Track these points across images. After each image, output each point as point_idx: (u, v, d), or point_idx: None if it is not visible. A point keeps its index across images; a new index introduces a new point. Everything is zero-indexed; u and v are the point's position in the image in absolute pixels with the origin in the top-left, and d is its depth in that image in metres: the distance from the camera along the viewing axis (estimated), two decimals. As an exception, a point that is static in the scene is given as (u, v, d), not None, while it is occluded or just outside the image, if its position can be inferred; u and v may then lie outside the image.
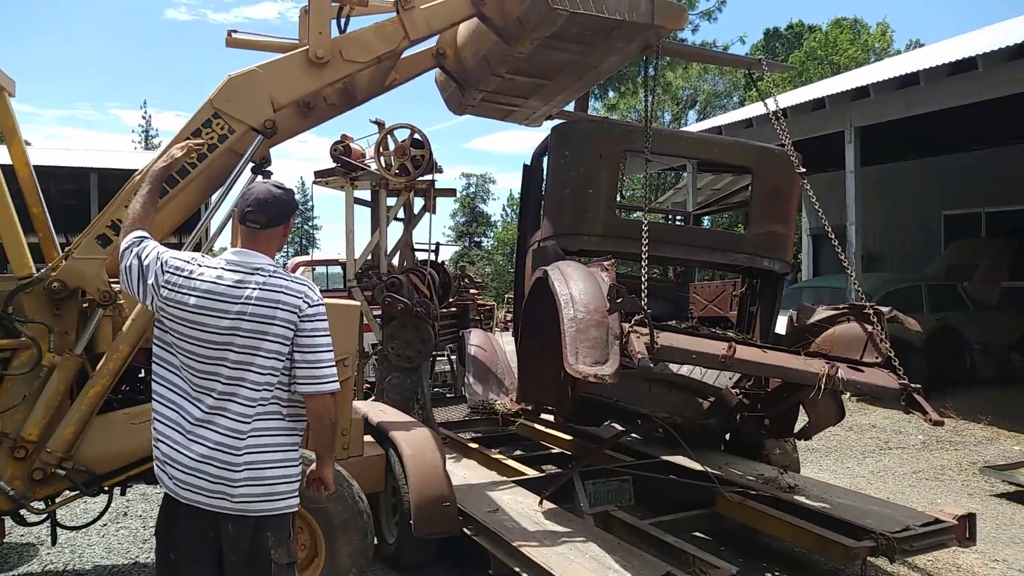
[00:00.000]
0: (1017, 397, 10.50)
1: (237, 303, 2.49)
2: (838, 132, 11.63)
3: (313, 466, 2.70)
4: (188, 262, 2.57)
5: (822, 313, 4.52)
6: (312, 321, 2.57)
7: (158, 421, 2.54)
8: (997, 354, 11.79)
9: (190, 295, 2.50)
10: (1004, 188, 14.66)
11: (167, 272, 2.54)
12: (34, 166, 4.19)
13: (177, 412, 2.50)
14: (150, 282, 2.55)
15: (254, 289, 2.51)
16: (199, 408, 2.48)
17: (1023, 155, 14.32)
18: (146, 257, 2.60)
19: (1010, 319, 12.22)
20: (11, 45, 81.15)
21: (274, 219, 2.64)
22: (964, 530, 4.26)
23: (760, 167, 5.09)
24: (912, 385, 3.78)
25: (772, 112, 4.86)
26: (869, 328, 4.15)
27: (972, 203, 15.36)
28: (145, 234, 2.71)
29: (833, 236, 4.53)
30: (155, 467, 2.57)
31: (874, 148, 12.75)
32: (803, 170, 4.66)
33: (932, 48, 16.76)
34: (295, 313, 2.53)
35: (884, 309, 4.26)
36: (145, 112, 60.75)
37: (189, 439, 2.47)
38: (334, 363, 2.62)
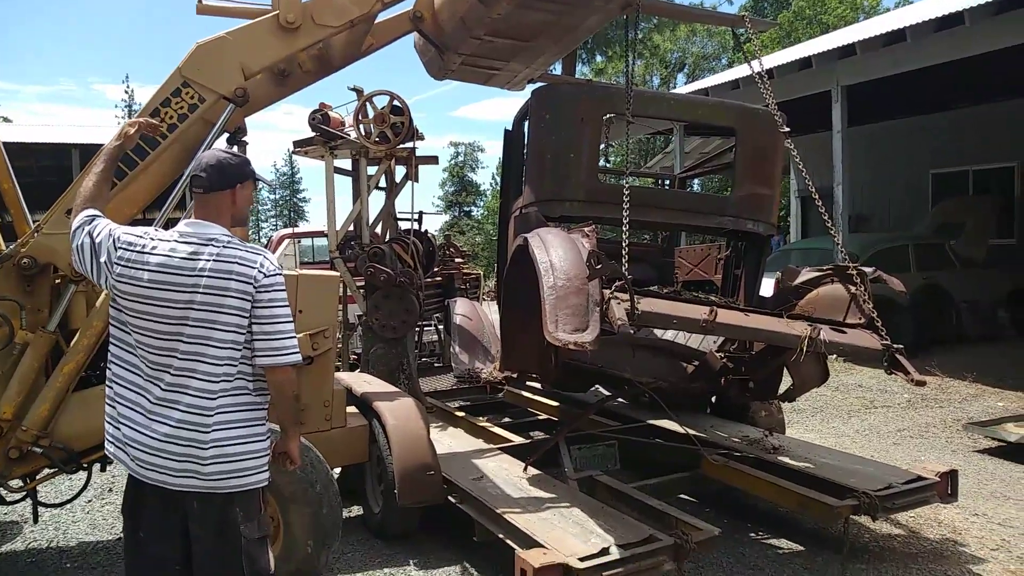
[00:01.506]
0: (1002, 354, 10.60)
1: (191, 276, 2.42)
2: (825, 91, 11.55)
3: (278, 440, 2.67)
4: (141, 236, 2.51)
5: (806, 275, 4.50)
6: (268, 291, 2.50)
7: (118, 403, 2.48)
8: (984, 312, 11.84)
9: (143, 270, 2.43)
10: (991, 145, 14.64)
11: (120, 248, 2.48)
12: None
13: (137, 392, 2.45)
14: (103, 260, 2.49)
15: (207, 260, 2.45)
16: (158, 386, 2.43)
17: (1010, 111, 14.27)
18: (98, 235, 2.53)
19: (997, 277, 12.26)
20: (-13, 19, 79.47)
21: (216, 183, 2.55)
22: (946, 486, 4.31)
23: (744, 128, 5.03)
24: (894, 346, 3.78)
25: (756, 72, 4.78)
26: (852, 289, 4.13)
27: (959, 161, 15.33)
28: (96, 212, 2.64)
29: (818, 197, 4.50)
30: (110, 448, 2.51)
31: (862, 107, 12.68)
32: (787, 130, 4.60)
33: (919, 4, 16.60)
34: (250, 284, 2.46)
35: (868, 270, 4.24)
36: (127, 86, 59.92)
37: (151, 419, 2.42)
38: (294, 334, 2.56)
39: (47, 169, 16.28)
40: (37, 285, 3.52)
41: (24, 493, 3.80)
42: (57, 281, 3.59)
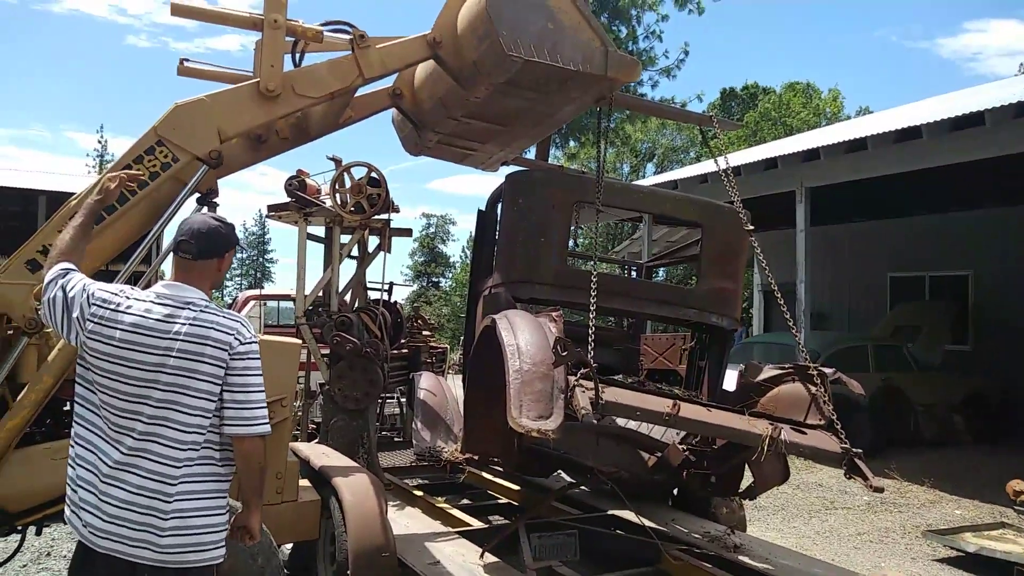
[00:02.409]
0: (958, 460, 10.68)
1: (165, 338, 2.37)
2: (789, 192, 11.92)
3: (239, 513, 2.57)
4: (116, 294, 2.46)
5: (768, 372, 4.52)
6: (244, 359, 2.46)
7: (75, 464, 2.39)
8: (940, 415, 11.99)
9: (116, 328, 2.38)
10: (947, 253, 15.16)
11: (93, 304, 2.42)
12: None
13: (95, 454, 2.36)
14: (75, 315, 2.43)
15: (183, 324, 2.40)
16: (118, 450, 2.34)
17: (966, 222, 14.86)
18: (71, 289, 2.47)
19: (952, 382, 12.49)
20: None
21: (207, 251, 2.54)
22: (905, 596, 4.25)
23: (710, 223, 5.13)
24: (853, 450, 3.77)
25: (722, 169, 4.92)
26: (813, 390, 4.16)
27: (917, 267, 15.83)
28: (71, 266, 2.58)
29: (779, 294, 4.57)
30: (67, 511, 2.40)
31: (824, 209, 13.10)
32: (752, 228, 4.71)
33: (880, 115, 17.42)
34: (225, 350, 2.42)
35: (828, 371, 4.28)
36: (101, 136, 59.93)
37: (107, 483, 2.32)
38: (265, 404, 2.51)
39: (12, 214, 16.06)
40: (-14, 336, 3.39)
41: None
42: (9, 332, 3.46)
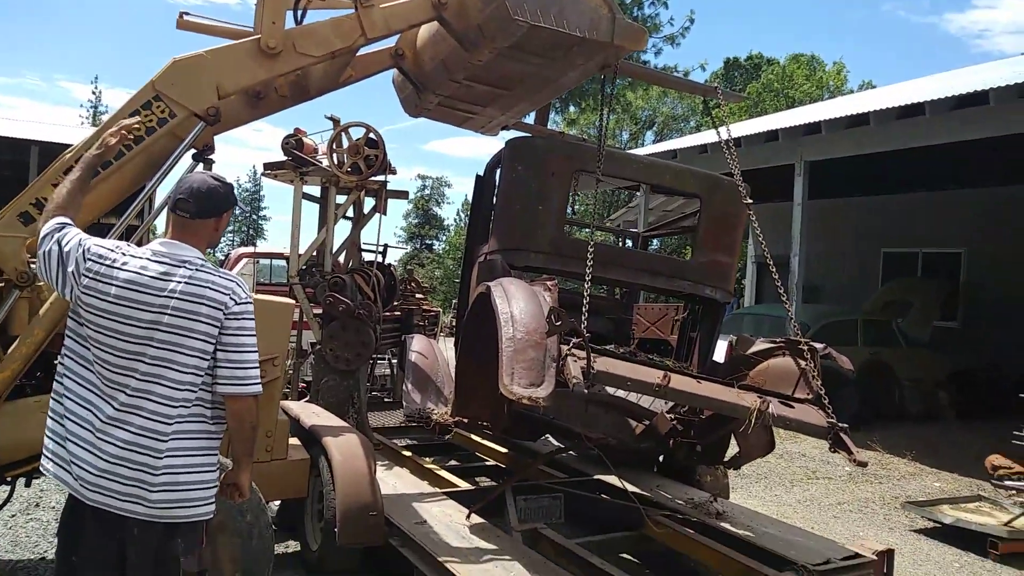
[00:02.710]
0: (941, 435, 10.84)
1: (160, 296, 2.38)
2: (788, 164, 11.88)
3: (229, 470, 2.60)
4: (112, 250, 2.45)
5: (758, 346, 4.57)
6: (238, 319, 2.47)
7: (68, 419, 2.39)
8: (925, 391, 12.14)
9: (111, 284, 2.38)
10: (941, 230, 15.20)
11: (89, 259, 2.42)
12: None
13: (88, 409, 2.37)
14: (70, 269, 2.43)
15: (179, 282, 2.40)
16: (111, 405, 2.35)
17: (962, 200, 14.87)
18: (67, 244, 2.47)
19: (939, 358, 12.61)
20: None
21: (205, 211, 2.54)
22: (882, 565, 4.34)
23: (708, 196, 5.12)
24: (840, 425, 3.83)
25: (724, 141, 4.90)
26: (802, 364, 4.20)
27: (910, 243, 15.87)
28: (68, 220, 2.58)
29: (774, 268, 4.59)
30: (48, 466, 2.42)
31: (821, 182, 13.07)
32: (750, 201, 4.71)
33: (883, 91, 17.32)
34: (220, 310, 2.43)
35: (818, 346, 4.32)
36: (96, 87, 59.11)
37: (99, 438, 2.34)
38: (258, 364, 2.53)
39: (3, 163, 15.88)
40: (-22, 288, 3.39)
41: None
42: (0, 285, 3.45)
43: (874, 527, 6.66)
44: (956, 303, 14.83)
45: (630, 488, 4.97)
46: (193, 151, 3.77)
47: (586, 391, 3.40)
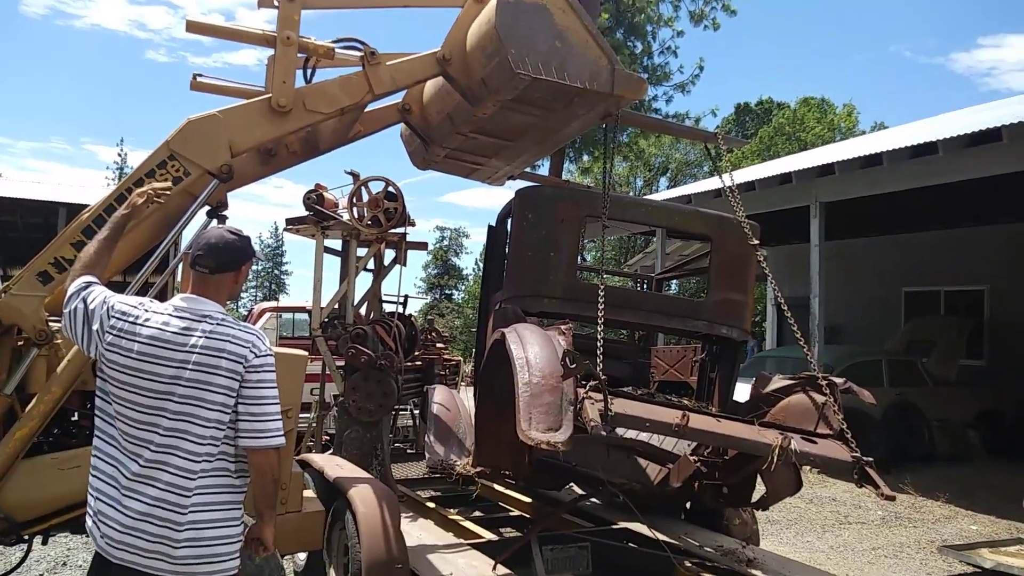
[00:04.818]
0: (973, 475, 10.56)
1: (181, 351, 2.40)
2: (803, 206, 11.87)
3: (253, 525, 2.59)
4: (135, 307, 2.50)
5: (778, 383, 4.50)
6: (258, 372, 2.48)
7: (94, 475, 2.42)
8: (955, 431, 11.87)
9: (134, 340, 2.41)
10: (963, 268, 15.04)
11: (113, 317, 2.46)
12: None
13: (113, 466, 2.39)
14: (95, 327, 2.47)
15: (200, 337, 2.43)
16: (136, 462, 2.36)
17: (981, 236, 14.73)
18: (92, 301, 2.51)
19: (967, 397, 12.35)
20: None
21: (224, 265, 2.58)
22: (919, 612, 4.20)
23: (719, 236, 5.12)
24: (864, 458, 3.74)
25: (727, 186, 4.94)
26: (821, 399, 4.13)
27: (931, 281, 15.70)
28: (94, 279, 2.63)
29: (787, 309, 4.56)
30: (88, 520, 2.43)
31: (838, 223, 13.04)
32: (756, 242, 4.71)
33: (895, 131, 17.37)
34: (241, 363, 2.44)
35: (838, 380, 4.25)
36: (121, 149, 60.66)
37: (125, 494, 2.34)
38: (280, 417, 2.53)
39: (33, 226, 16.26)
40: (-1, 346, 3.43)
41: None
42: (19, 343, 3.50)
43: (910, 572, 6.44)
44: (981, 341, 14.59)
45: (659, 536, 4.87)
46: (207, 208, 3.84)
47: (604, 434, 3.35)
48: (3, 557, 5.10)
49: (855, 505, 8.86)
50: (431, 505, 5.89)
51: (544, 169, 23.65)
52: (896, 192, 10.96)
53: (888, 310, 16.33)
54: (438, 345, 10.64)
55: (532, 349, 3.66)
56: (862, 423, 8.46)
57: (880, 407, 10.32)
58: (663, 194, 20.13)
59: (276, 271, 67.17)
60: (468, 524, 5.37)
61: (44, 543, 3.92)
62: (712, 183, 15.53)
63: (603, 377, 3.48)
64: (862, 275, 16.61)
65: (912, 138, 10.56)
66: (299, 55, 3.94)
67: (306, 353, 4.23)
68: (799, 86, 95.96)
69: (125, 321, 2.44)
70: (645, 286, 7.56)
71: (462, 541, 4.99)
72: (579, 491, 6.04)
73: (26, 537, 3.54)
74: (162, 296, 3.12)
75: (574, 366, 3.34)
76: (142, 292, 3.50)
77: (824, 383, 4.15)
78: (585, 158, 27.90)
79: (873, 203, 12.05)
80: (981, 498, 9.07)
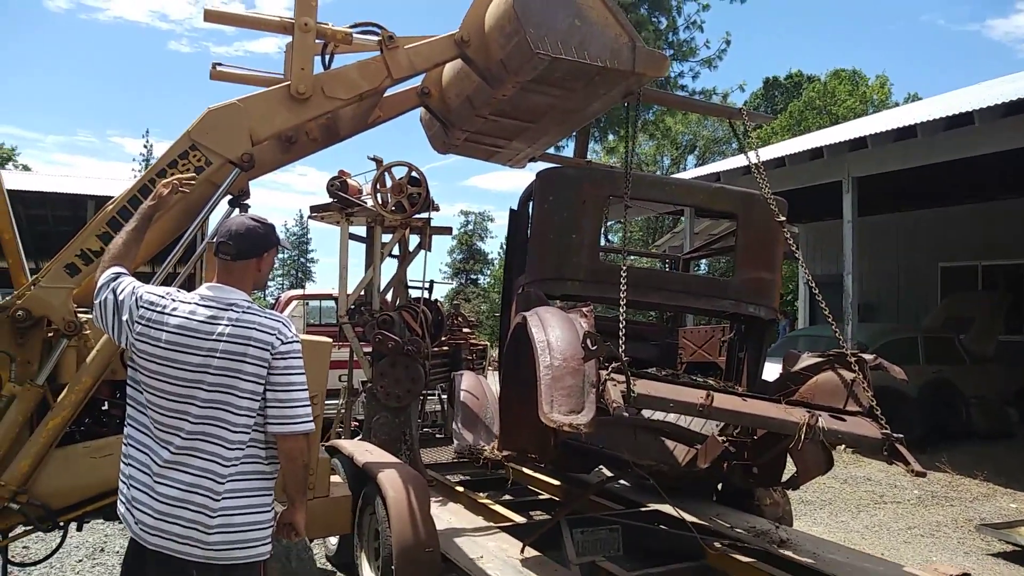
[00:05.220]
0: (1012, 452, 10.35)
1: (208, 339, 2.43)
2: (836, 181, 11.65)
3: (284, 510, 2.62)
4: (163, 297, 2.53)
5: (806, 361, 4.43)
6: (285, 359, 2.50)
7: (125, 463, 2.47)
8: (993, 408, 11.63)
9: (162, 330, 2.45)
10: (1000, 241, 14.67)
11: (142, 307, 2.50)
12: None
13: (145, 453, 2.43)
14: (124, 318, 2.51)
15: (226, 325, 2.46)
16: (167, 449, 2.40)
17: (1019, 209, 14.35)
18: (121, 292, 2.56)
19: (1006, 373, 12.09)
20: (14, 70, 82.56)
21: (245, 252, 2.59)
22: (957, 590, 4.12)
23: (744, 213, 5.03)
24: (894, 435, 3.67)
25: (752, 163, 4.84)
26: (851, 376, 4.06)
27: (968, 256, 15.35)
28: (123, 270, 2.67)
29: (815, 285, 4.49)
30: (120, 507, 2.48)
31: (872, 199, 12.77)
32: (783, 219, 4.62)
33: (929, 102, 16.94)
34: (267, 350, 2.47)
35: (868, 357, 4.17)
36: (147, 140, 61.40)
37: (157, 481, 2.38)
38: (308, 402, 2.56)
39: (62, 219, 16.56)
40: (29, 338, 3.49)
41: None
42: (49, 335, 3.56)
43: (948, 552, 6.34)
44: (1021, 315, 14.25)
45: (688, 518, 4.84)
46: (229, 197, 3.87)
47: (626, 415, 3.32)
48: (43, 543, 5.22)
49: (890, 484, 8.74)
50: (460, 489, 5.92)
51: (569, 150, 23.49)
52: (931, 165, 10.70)
53: (924, 286, 16.02)
54: (465, 330, 10.65)
55: (553, 332, 3.64)
56: (896, 401, 8.32)
57: (915, 385, 10.15)
58: (691, 172, 19.91)
59: (302, 259, 67.79)
60: (497, 507, 5.39)
61: (79, 529, 4.01)
62: (740, 160, 15.29)
63: (625, 359, 3.46)
64: (897, 251, 16.29)
65: (947, 109, 10.28)
66: (317, 41, 3.93)
67: (330, 340, 4.26)
68: (830, 58, 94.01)
69: (153, 311, 2.48)
70: (672, 266, 7.48)
71: (492, 524, 5.02)
72: (608, 473, 6.03)
73: (61, 524, 3.62)
74: (189, 285, 3.16)
75: (595, 348, 3.31)
76: (167, 282, 3.55)
77: (853, 360, 4.08)
78: (610, 137, 27.67)
79: (907, 177, 11.78)
80: (1020, 476, 8.89)
